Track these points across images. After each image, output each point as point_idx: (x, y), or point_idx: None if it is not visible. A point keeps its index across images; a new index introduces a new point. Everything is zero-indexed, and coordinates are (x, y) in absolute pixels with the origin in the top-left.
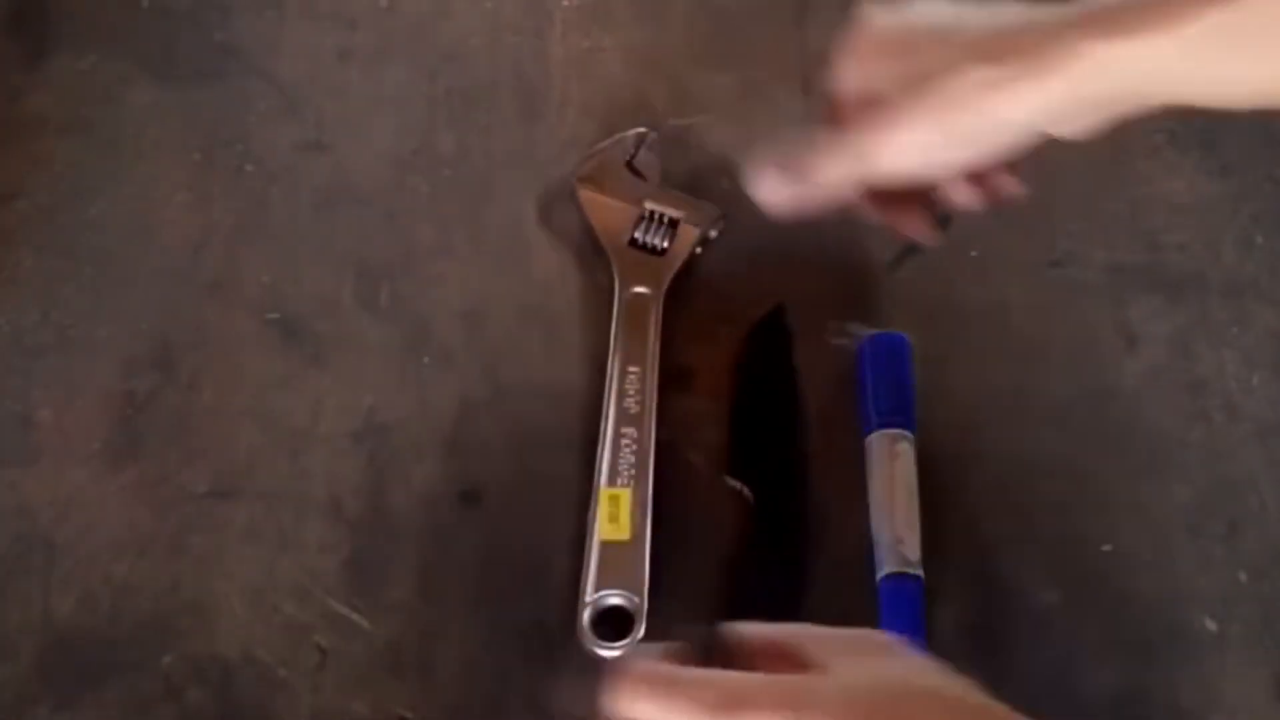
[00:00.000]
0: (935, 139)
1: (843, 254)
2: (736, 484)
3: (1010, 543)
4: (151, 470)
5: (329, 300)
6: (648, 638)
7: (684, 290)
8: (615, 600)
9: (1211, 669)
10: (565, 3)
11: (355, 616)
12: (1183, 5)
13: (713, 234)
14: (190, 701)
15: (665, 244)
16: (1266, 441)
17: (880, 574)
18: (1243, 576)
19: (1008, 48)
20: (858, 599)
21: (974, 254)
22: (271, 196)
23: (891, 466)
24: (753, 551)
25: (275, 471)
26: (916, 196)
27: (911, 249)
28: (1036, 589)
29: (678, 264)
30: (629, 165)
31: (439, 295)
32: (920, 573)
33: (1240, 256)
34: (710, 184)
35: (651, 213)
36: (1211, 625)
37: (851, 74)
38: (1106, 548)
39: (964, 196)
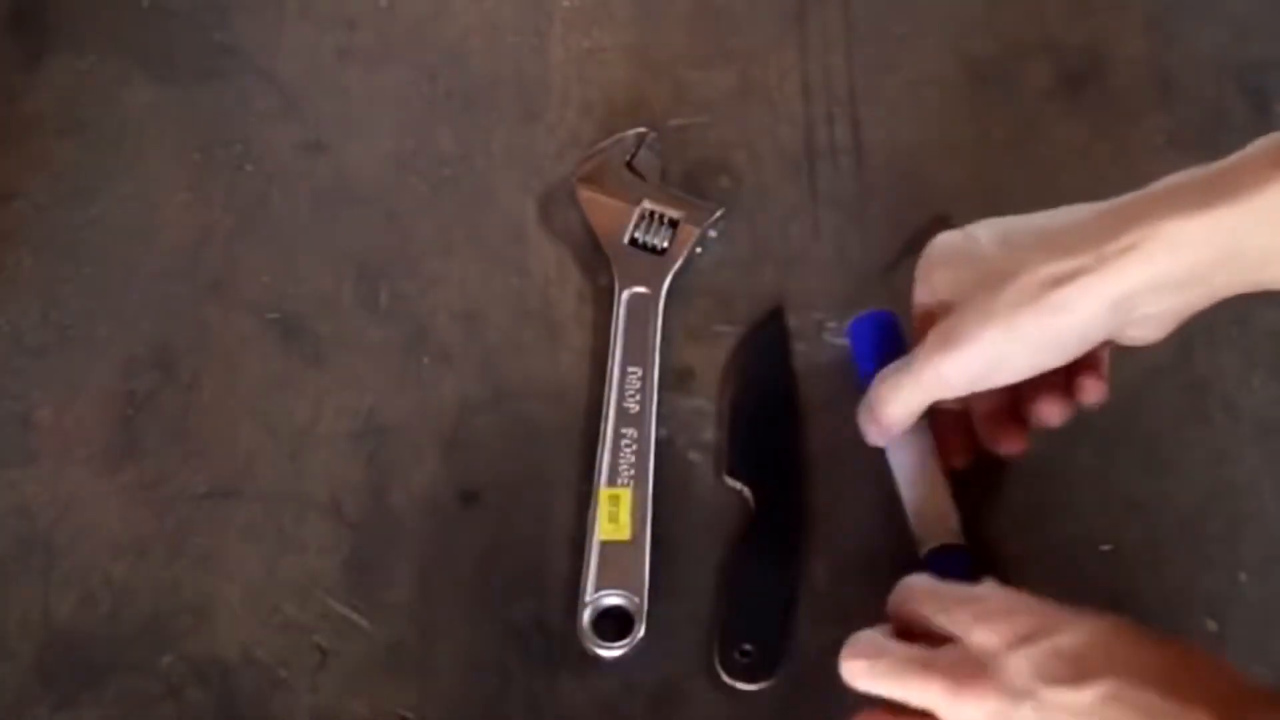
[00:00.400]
0: (1000, 346)
1: (843, 254)
2: (736, 484)
3: (1010, 542)
4: (151, 470)
5: (329, 300)
6: (648, 638)
7: (684, 290)
8: (615, 600)
9: None
10: (565, 3)
11: (355, 616)
12: (1253, 174)
13: (712, 234)
14: (190, 701)
15: (665, 244)
16: (1266, 441)
17: (925, 550)
18: (1243, 576)
19: (1076, 238)
20: (859, 595)
21: None
22: (271, 196)
23: (920, 440)
24: (752, 551)
25: (275, 471)
26: (1006, 408)
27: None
28: (1036, 589)
29: (677, 264)
30: (629, 165)
31: (439, 295)
32: (964, 542)
33: None
34: (710, 184)
35: (651, 212)
36: (1211, 625)
37: (925, 290)
38: (1106, 548)
39: (1045, 411)
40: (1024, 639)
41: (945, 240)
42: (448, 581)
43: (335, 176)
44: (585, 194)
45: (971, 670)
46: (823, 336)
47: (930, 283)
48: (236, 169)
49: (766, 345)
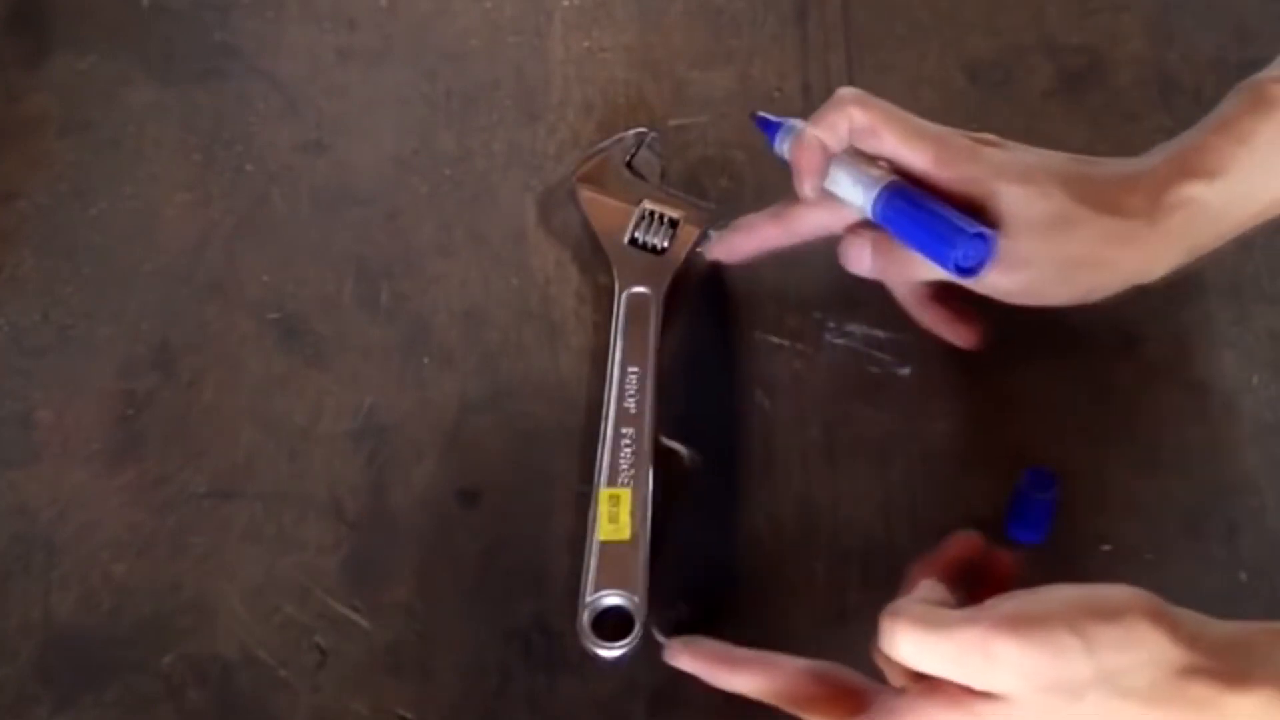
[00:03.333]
0: (1050, 281)
1: None
2: (672, 444)
3: (1009, 542)
4: (151, 470)
5: (329, 300)
6: (647, 639)
7: (684, 290)
8: (615, 600)
9: None
10: (565, 3)
11: (355, 616)
12: (1242, 124)
13: (713, 234)
14: (190, 701)
15: (665, 244)
16: (1266, 441)
17: None
18: (1243, 576)
19: (1124, 197)
20: (860, 594)
21: None
22: (271, 196)
23: None
24: (688, 511)
25: (275, 471)
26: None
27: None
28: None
29: (678, 264)
30: (629, 165)
31: (439, 295)
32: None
33: (1240, 256)
34: (710, 184)
35: (651, 212)
36: None
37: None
38: (1106, 548)
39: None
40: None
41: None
42: (448, 581)
43: (335, 176)
44: (585, 194)
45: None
46: (823, 336)
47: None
48: (236, 169)
49: (702, 306)
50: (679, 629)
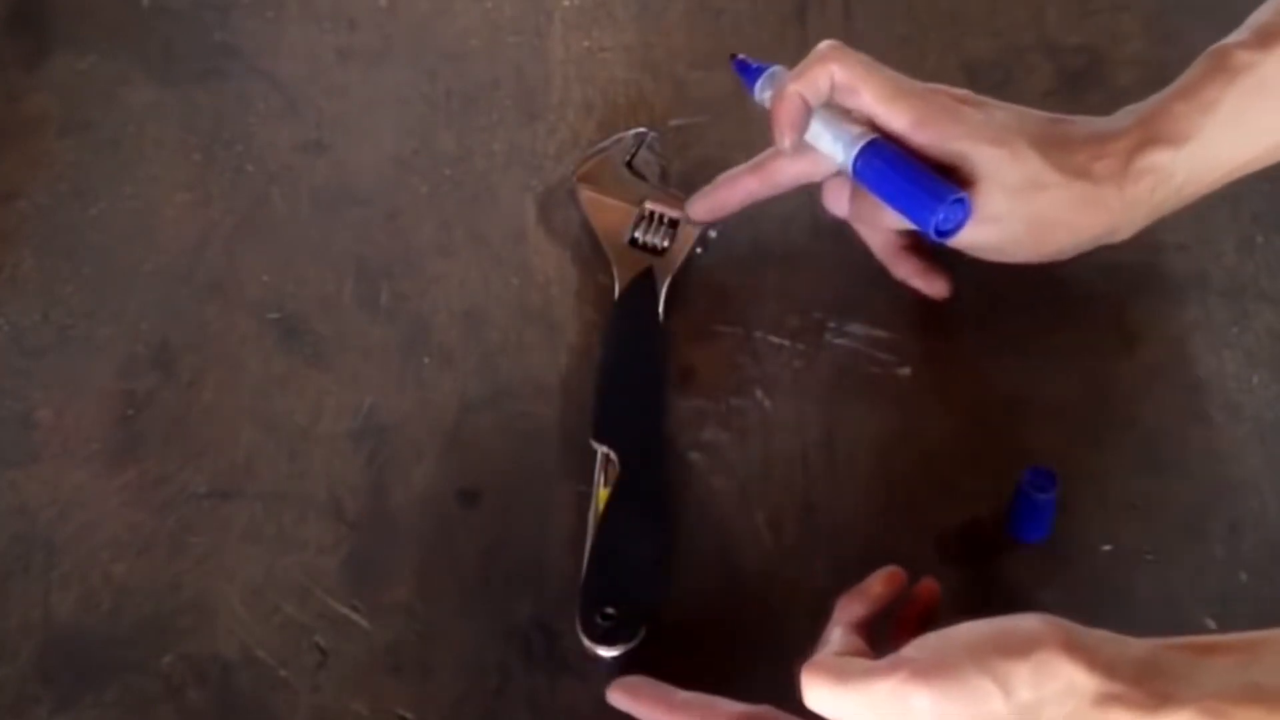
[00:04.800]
0: (1019, 240)
1: (843, 254)
2: (603, 447)
3: (1009, 542)
4: (151, 470)
5: (329, 300)
6: (647, 639)
7: (684, 290)
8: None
9: None
10: (565, 3)
11: (355, 616)
12: (1206, 91)
13: (713, 234)
14: (190, 701)
15: (665, 244)
16: (1266, 441)
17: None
18: (1243, 576)
19: (1093, 163)
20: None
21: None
22: (271, 196)
23: None
24: (617, 514)
25: (275, 471)
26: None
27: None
28: (1036, 588)
29: (677, 264)
30: (629, 165)
31: (439, 295)
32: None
33: (1240, 256)
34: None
35: (651, 213)
36: (1212, 625)
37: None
38: (1106, 548)
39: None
40: None
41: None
42: (448, 581)
43: (335, 176)
44: (585, 194)
45: None
46: (823, 336)
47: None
48: (236, 169)
49: (636, 308)
50: (608, 636)
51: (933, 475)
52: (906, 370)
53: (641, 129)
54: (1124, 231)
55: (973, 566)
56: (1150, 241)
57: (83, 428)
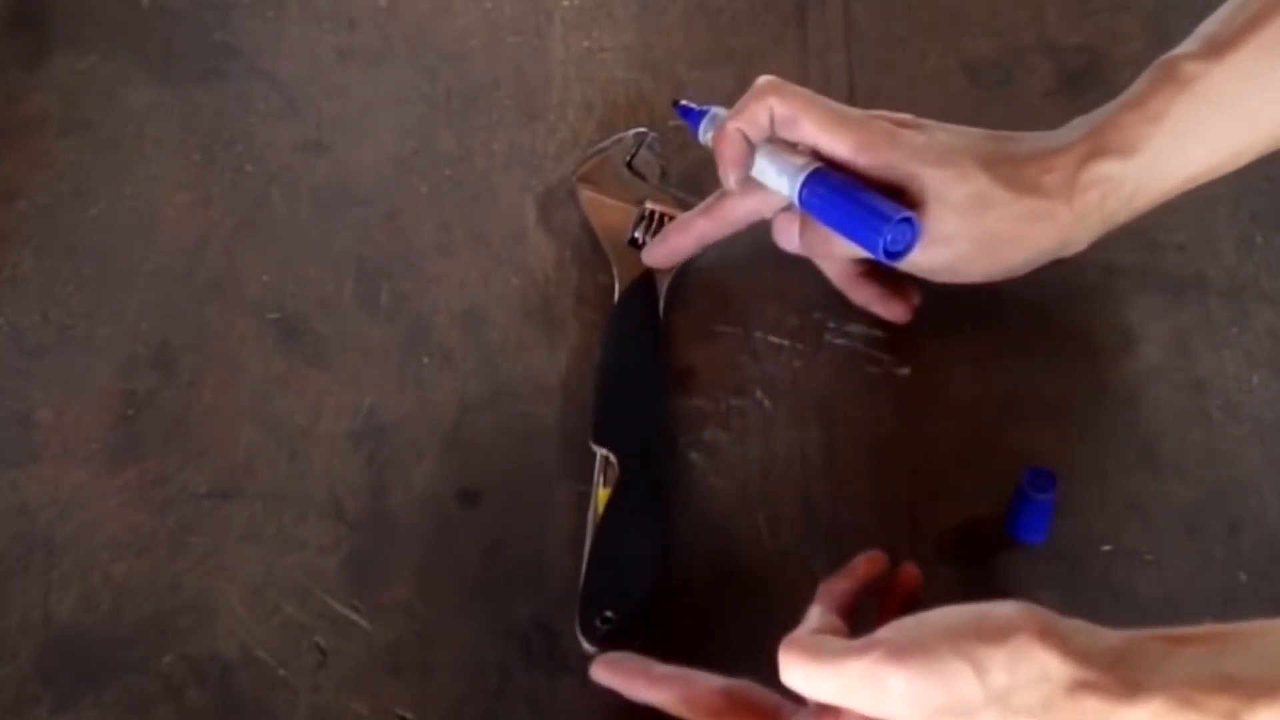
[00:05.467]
0: (971, 259)
1: None
2: (603, 450)
3: (1009, 542)
4: (151, 470)
5: (329, 300)
6: (647, 639)
7: (684, 290)
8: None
9: None
10: (565, 3)
11: (355, 616)
12: (1154, 102)
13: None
14: (190, 701)
15: None
16: (1266, 441)
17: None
18: (1243, 576)
19: (1041, 176)
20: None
21: None
22: (271, 196)
23: None
24: (617, 518)
25: (275, 471)
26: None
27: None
28: (1036, 589)
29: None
30: (629, 165)
31: (439, 295)
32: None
33: (1240, 256)
34: (710, 184)
35: (651, 213)
36: None
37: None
38: (1106, 548)
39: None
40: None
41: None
42: (448, 581)
43: (335, 176)
44: (585, 194)
45: None
46: (823, 336)
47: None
48: (236, 169)
49: (637, 311)
50: (608, 638)
51: (932, 475)
52: (906, 370)
53: (641, 129)
54: (1076, 244)
55: (972, 567)
56: (1150, 241)
57: (83, 428)
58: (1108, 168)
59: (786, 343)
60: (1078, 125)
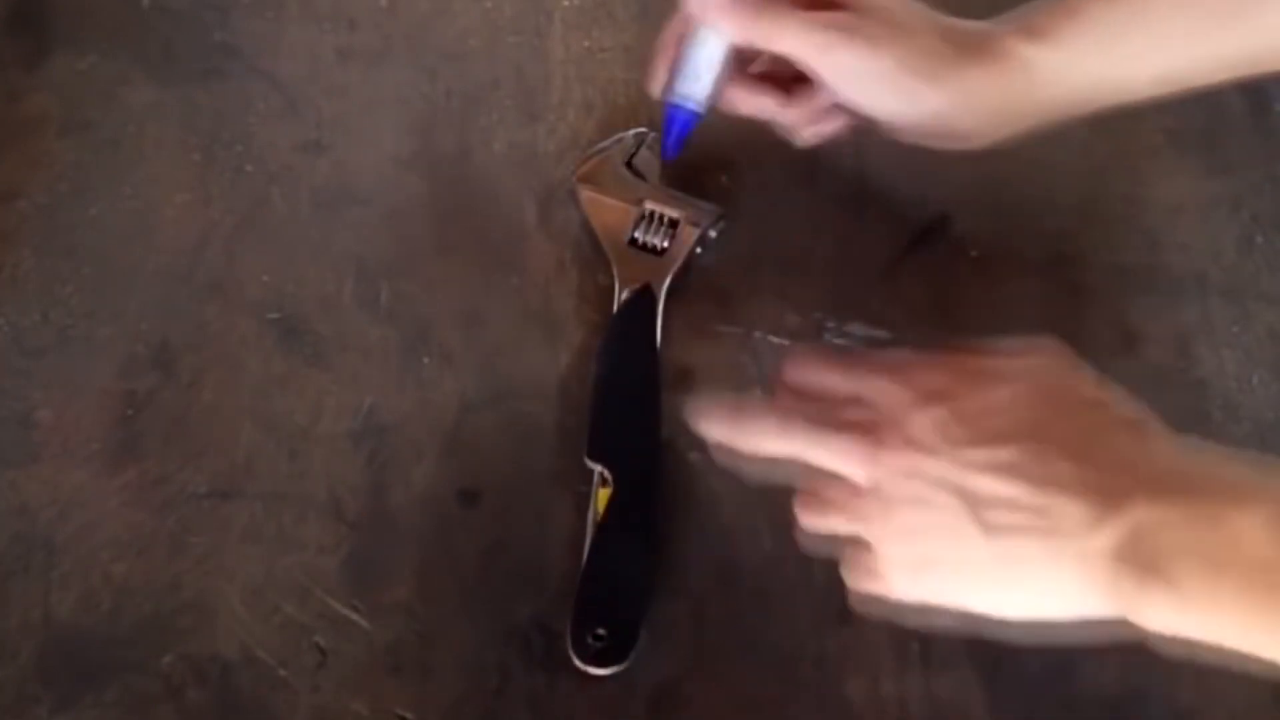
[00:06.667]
0: (888, 73)
1: (843, 254)
2: (598, 467)
3: None
4: (151, 470)
5: (329, 300)
6: (646, 640)
7: (684, 290)
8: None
9: (1212, 669)
10: (565, 3)
11: (355, 616)
12: (1080, 5)
13: (713, 234)
14: (190, 701)
15: (665, 244)
16: (1266, 441)
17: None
18: None
19: (959, 39)
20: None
21: (974, 254)
22: (271, 196)
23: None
24: (610, 534)
25: (275, 471)
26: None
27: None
28: None
29: (677, 264)
30: (629, 165)
31: (439, 295)
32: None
33: (1240, 256)
34: (710, 184)
35: (651, 212)
36: None
37: None
38: None
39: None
40: (931, 396)
41: None
42: (448, 581)
43: (335, 176)
44: (585, 194)
45: (885, 427)
46: (823, 336)
47: None
48: (236, 169)
49: (632, 326)
50: (598, 656)
51: None
52: None
53: (641, 129)
54: (976, 110)
55: None
56: (1150, 241)
57: (83, 428)
58: (1020, 47)
59: (786, 343)
60: (1010, 15)
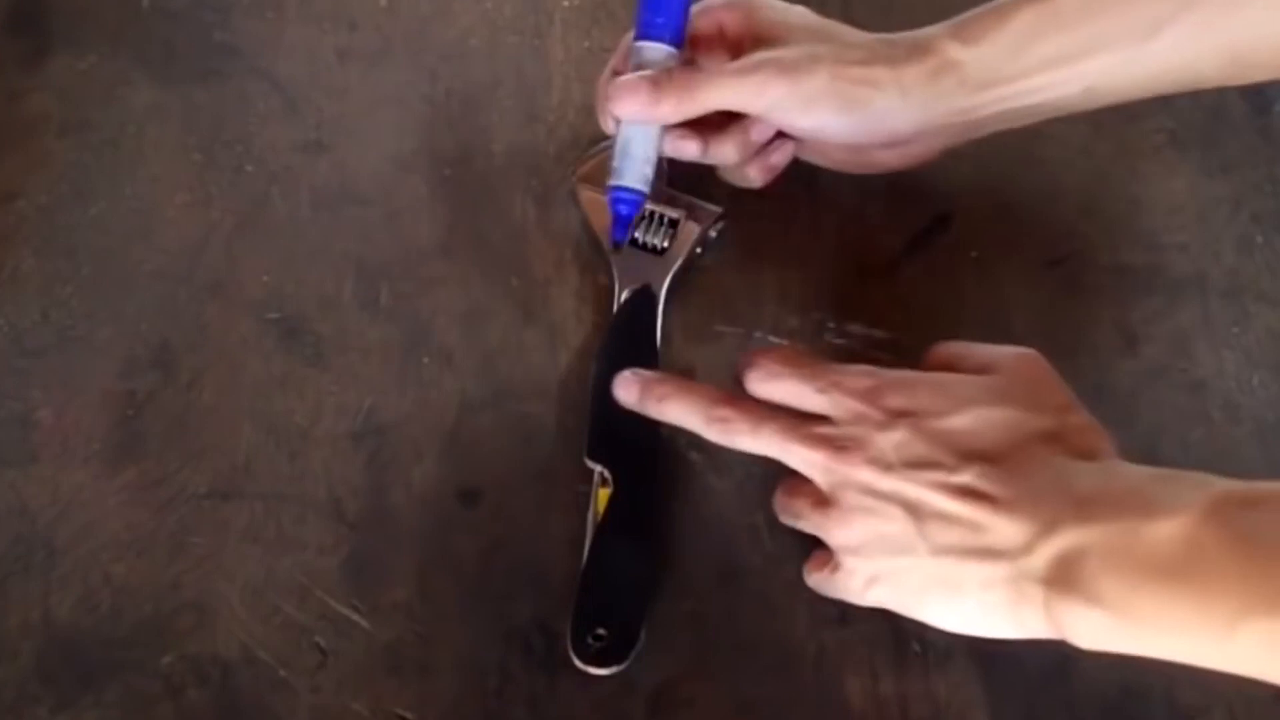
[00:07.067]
0: (825, 87)
1: (843, 254)
2: (597, 467)
3: None
4: (151, 470)
5: (329, 300)
6: (648, 638)
7: (684, 290)
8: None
9: (1211, 669)
10: (565, 3)
11: (355, 616)
12: (1006, 6)
13: (713, 234)
14: (190, 701)
15: (665, 244)
16: (1266, 441)
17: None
18: None
19: (889, 46)
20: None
21: (974, 254)
22: (271, 196)
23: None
24: (609, 534)
25: (275, 471)
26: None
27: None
28: None
29: (677, 264)
30: None
31: (439, 295)
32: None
33: (1240, 256)
34: (710, 184)
35: (651, 213)
36: None
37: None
38: None
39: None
40: (896, 416)
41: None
42: (448, 581)
43: (335, 176)
44: (585, 194)
45: (850, 445)
46: (823, 336)
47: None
48: (236, 169)
49: (632, 326)
50: (598, 657)
51: None
52: None
53: None
54: (898, 109)
55: None
56: (1151, 242)
57: (83, 428)
58: (949, 46)
59: (786, 342)
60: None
